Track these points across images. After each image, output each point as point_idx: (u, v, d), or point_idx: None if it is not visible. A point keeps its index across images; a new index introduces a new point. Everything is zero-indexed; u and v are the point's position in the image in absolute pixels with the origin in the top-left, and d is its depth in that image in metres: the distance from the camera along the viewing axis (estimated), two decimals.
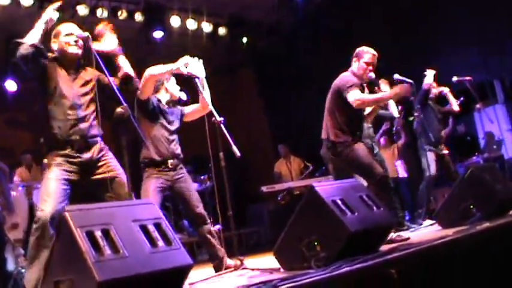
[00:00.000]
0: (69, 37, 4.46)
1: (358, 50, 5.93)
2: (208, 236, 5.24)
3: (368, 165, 5.63)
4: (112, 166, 4.46)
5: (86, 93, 4.50)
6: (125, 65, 4.69)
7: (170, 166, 5.25)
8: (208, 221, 5.32)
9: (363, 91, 5.80)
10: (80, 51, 4.45)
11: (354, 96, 5.56)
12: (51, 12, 4.38)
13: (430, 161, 7.62)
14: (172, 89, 5.55)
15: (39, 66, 4.31)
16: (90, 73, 4.58)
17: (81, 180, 4.35)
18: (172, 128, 5.43)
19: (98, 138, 4.50)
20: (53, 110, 4.34)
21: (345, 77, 5.80)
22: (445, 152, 7.81)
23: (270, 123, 14.58)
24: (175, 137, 5.44)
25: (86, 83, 4.54)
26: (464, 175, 5.85)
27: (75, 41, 4.44)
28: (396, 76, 7.22)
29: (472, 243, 3.92)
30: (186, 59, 5.21)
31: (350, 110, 5.66)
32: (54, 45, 4.52)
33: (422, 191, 7.63)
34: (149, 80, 5.11)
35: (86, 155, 4.36)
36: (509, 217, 5.19)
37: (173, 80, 5.58)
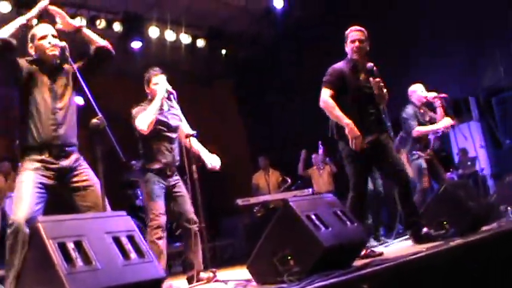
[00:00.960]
0: (44, 39, 4.40)
1: (345, 33, 5.81)
2: (193, 241, 5.25)
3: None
4: (88, 176, 4.40)
5: (67, 98, 4.44)
6: (93, 36, 4.62)
7: (168, 173, 5.32)
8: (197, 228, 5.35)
9: (361, 71, 5.64)
10: (56, 52, 4.36)
11: (322, 95, 5.52)
12: (37, 9, 4.33)
13: (420, 171, 7.53)
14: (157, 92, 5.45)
15: (6, 61, 4.21)
16: (71, 79, 4.51)
17: (56, 187, 4.28)
18: (174, 135, 5.46)
19: (75, 147, 4.45)
20: (32, 114, 4.26)
21: (329, 69, 5.70)
22: (438, 155, 7.77)
23: (249, 135, 14.60)
24: (176, 144, 5.48)
25: (68, 87, 4.48)
26: (438, 191, 5.91)
27: (50, 42, 4.38)
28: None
29: (445, 259, 3.96)
30: (164, 84, 5.25)
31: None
32: (31, 50, 4.46)
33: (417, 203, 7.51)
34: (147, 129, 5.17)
35: (64, 162, 4.30)
36: (482, 233, 5.24)
37: (159, 79, 5.50)
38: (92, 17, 10.42)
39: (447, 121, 7.41)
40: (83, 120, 4.43)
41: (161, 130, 5.34)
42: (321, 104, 5.51)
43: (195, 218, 5.34)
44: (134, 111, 5.34)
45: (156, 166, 5.28)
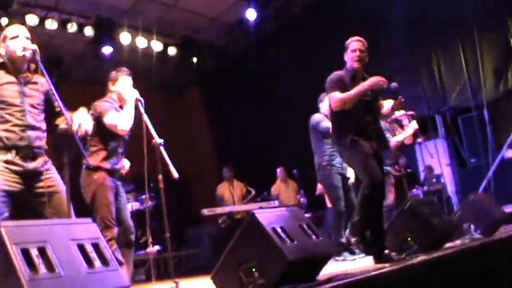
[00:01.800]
0: (15, 40, 4.32)
1: (345, 44, 5.81)
2: (128, 249, 5.20)
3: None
4: (55, 181, 4.33)
5: (36, 102, 4.36)
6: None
7: (116, 176, 5.24)
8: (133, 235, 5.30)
9: (360, 80, 5.60)
10: (27, 53, 4.26)
11: (333, 97, 5.50)
12: None
13: (390, 187, 7.53)
14: (123, 91, 5.36)
15: None
16: (41, 82, 4.43)
17: (21, 192, 4.19)
18: (126, 140, 5.39)
19: (44, 151, 4.37)
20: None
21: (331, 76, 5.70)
22: (405, 171, 7.87)
23: (216, 144, 14.60)
24: (123, 149, 5.40)
25: (37, 91, 4.40)
26: (403, 207, 5.96)
27: (21, 43, 4.30)
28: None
29: (408, 275, 3.99)
30: (133, 91, 5.20)
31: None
32: (2, 50, 4.37)
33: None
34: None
35: (31, 165, 4.23)
36: (446, 250, 5.30)
37: (127, 80, 5.43)
38: (63, 21, 10.37)
39: (414, 125, 7.51)
40: (51, 126, 4.38)
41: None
42: (335, 106, 5.49)
43: (132, 224, 5.30)
44: (102, 106, 5.20)
45: (109, 167, 5.17)
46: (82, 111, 4.38)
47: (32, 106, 4.33)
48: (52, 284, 2.68)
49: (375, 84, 5.44)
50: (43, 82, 4.42)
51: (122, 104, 5.32)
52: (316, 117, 7.47)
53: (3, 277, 2.71)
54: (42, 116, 4.42)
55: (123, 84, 5.34)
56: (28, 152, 4.23)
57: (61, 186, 4.34)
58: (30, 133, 4.25)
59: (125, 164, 5.50)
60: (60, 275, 2.73)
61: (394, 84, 5.74)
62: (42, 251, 2.79)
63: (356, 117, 5.48)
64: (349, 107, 5.43)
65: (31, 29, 4.54)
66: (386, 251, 5.22)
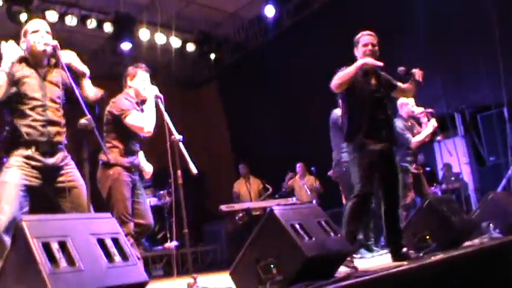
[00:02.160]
0: (36, 34, 4.35)
1: (354, 39, 5.73)
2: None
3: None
4: (73, 176, 4.36)
5: (56, 96, 4.39)
6: (89, 90, 4.58)
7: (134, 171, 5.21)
8: None
9: (372, 75, 5.58)
10: (48, 48, 4.29)
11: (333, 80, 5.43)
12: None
13: (406, 185, 7.47)
14: (142, 87, 5.32)
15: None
16: (61, 77, 4.44)
17: (41, 187, 4.23)
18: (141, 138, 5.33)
19: (63, 146, 4.40)
20: (19, 109, 4.22)
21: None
22: (421, 170, 7.80)
23: (233, 140, 14.61)
24: (139, 145, 5.37)
25: (57, 86, 4.43)
26: (422, 205, 5.94)
27: (42, 37, 4.33)
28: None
29: (426, 274, 3.98)
30: (153, 88, 5.19)
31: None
32: (23, 45, 4.39)
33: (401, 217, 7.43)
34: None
35: (50, 160, 4.26)
36: (464, 249, 5.28)
37: (146, 76, 5.40)
38: (82, 17, 10.43)
39: (434, 123, 7.49)
40: (71, 121, 4.40)
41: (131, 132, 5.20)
42: (335, 82, 5.41)
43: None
44: (123, 104, 5.16)
45: (127, 163, 5.14)
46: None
47: (52, 101, 4.36)
48: (72, 277, 2.71)
49: (369, 62, 5.38)
50: (63, 77, 4.43)
51: (139, 100, 5.30)
52: (336, 112, 7.42)
53: (24, 270, 2.74)
54: (62, 110, 4.44)
55: (142, 81, 5.30)
56: (48, 148, 4.27)
57: (80, 181, 4.36)
58: (50, 128, 4.28)
59: (148, 168, 5.49)
60: (81, 269, 2.76)
61: (400, 68, 5.68)
62: (63, 245, 2.81)
63: (367, 116, 5.40)
64: (346, 87, 5.39)
65: (51, 25, 4.57)
66: (404, 249, 5.20)
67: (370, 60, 5.38)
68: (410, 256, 5.07)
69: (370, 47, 5.54)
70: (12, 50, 4.27)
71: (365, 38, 5.61)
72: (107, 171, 5.07)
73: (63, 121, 4.42)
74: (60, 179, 4.32)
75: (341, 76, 5.38)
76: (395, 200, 5.48)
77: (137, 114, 5.10)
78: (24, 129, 4.20)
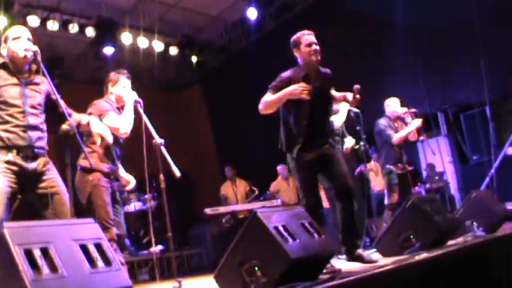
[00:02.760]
0: (17, 40, 4.34)
1: (291, 41, 5.63)
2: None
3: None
4: (55, 182, 4.33)
5: (37, 102, 4.37)
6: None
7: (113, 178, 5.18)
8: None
9: (314, 79, 5.46)
10: (28, 54, 4.28)
11: (263, 99, 5.42)
12: None
13: (392, 185, 7.56)
14: (123, 94, 5.29)
15: None
16: (43, 83, 4.45)
17: (22, 192, 4.21)
18: (121, 143, 5.33)
19: (45, 151, 4.37)
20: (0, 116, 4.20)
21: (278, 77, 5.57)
22: (409, 169, 7.82)
23: (218, 143, 14.59)
24: (120, 151, 5.34)
25: (38, 91, 4.42)
26: (405, 205, 5.96)
27: (23, 45, 4.31)
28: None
29: (410, 273, 4.00)
30: (132, 93, 5.18)
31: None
32: (3, 51, 4.39)
33: (387, 218, 7.35)
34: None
35: (31, 165, 4.23)
36: (448, 248, 5.30)
37: (127, 83, 5.36)
38: (64, 21, 10.38)
39: (418, 122, 7.52)
40: (53, 126, 4.39)
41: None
42: (260, 107, 5.40)
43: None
44: (102, 105, 5.14)
45: (107, 170, 5.12)
46: (94, 119, 4.39)
47: (33, 107, 4.34)
48: (55, 284, 2.70)
49: (295, 91, 5.21)
50: (44, 83, 4.43)
51: (119, 105, 5.28)
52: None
53: (6, 278, 2.72)
54: (43, 116, 4.43)
55: (123, 87, 5.28)
56: (29, 152, 4.25)
57: (62, 187, 4.35)
58: (31, 133, 4.26)
59: (130, 180, 5.46)
60: (63, 276, 2.75)
61: (356, 86, 5.50)
62: (45, 252, 2.80)
63: (303, 127, 5.36)
64: (271, 112, 5.39)
65: (33, 30, 4.55)
66: (359, 250, 5.22)
67: (297, 91, 5.20)
68: (365, 258, 5.09)
69: (314, 46, 5.43)
70: None
71: (307, 38, 5.49)
72: (86, 176, 5.02)
73: (44, 127, 4.41)
74: (42, 184, 4.29)
75: (267, 103, 5.36)
76: (348, 199, 5.43)
77: (114, 116, 5.09)
78: (4, 134, 4.18)
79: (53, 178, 4.34)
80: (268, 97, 5.35)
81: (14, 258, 2.67)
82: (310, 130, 5.36)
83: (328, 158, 5.43)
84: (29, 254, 2.73)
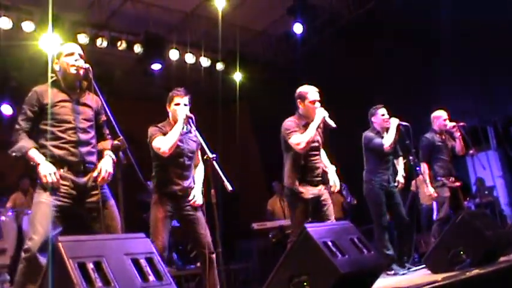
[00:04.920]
0: (70, 57, 4.43)
1: (298, 91, 6.09)
2: (208, 265, 5.20)
3: None
4: (105, 196, 4.41)
5: (87, 118, 4.46)
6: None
7: (180, 196, 5.27)
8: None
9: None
10: (80, 72, 4.38)
11: (294, 141, 5.80)
12: None
13: (442, 199, 7.53)
14: (174, 112, 5.42)
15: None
16: (93, 100, 4.54)
17: (72, 206, 4.25)
18: (188, 162, 5.41)
19: (95, 166, 4.42)
20: (50, 131, 4.28)
21: (284, 124, 6.05)
22: (457, 184, 7.77)
23: (264, 159, 14.60)
24: (190, 171, 5.45)
25: (89, 107, 4.50)
26: (455, 220, 5.88)
27: (76, 60, 4.41)
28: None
29: None
30: (184, 109, 5.27)
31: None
32: (56, 66, 4.49)
33: (436, 232, 7.37)
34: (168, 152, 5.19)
35: (82, 180, 4.30)
36: (499, 264, 5.21)
37: (180, 100, 5.44)
38: (112, 38, 10.54)
39: (395, 121, 7.27)
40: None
41: (178, 155, 5.30)
42: (302, 146, 5.76)
43: (210, 242, 5.25)
44: (151, 131, 5.30)
45: (168, 190, 5.25)
46: (107, 159, 4.48)
47: (83, 123, 4.42)
48: None
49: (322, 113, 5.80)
50: (94, 99, 4.53)
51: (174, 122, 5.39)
52: (368, 135, 7.34)
53: None
54: (93, 132, 4.51)
55: (176, 105, 5.38)
56: (79, 167, 4.32)
57: (111, 201, 4.42)
58: (82, 149, 4.34)
59: (195, 198, 5.49)
60: None
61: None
62: (98, 265, 2.85)
63: (303, 165, 5.87)
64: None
65: (83, 47, 4.65)
66: None
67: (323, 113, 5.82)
68: None
69: (317, 104, 5.96)
70: None
71: (314, 95, 6.02)
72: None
73: (94, 142, 4.49)
74: (92, 199, 4.35)
75: (308, 139, 5.75)
76: None
77: (160, 138, 5.23)
78: (55, 150, 4.26)
79: (103, 192, 4.40)
80: (304, 136, 5.78)
81: (69, 272, 2.72)
82: (307, 170, 5.91)
83: (323, 201, 5.91)
84: (82, 267, 2.78)
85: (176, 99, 5.40)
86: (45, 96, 4.33)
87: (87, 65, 4.39)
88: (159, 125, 5.38)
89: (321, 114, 5.76)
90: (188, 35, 11.32)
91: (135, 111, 5.35)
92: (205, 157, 5.00)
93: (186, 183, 5.33)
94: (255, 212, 11.91)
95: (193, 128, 5.22)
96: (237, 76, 12.89)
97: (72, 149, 4.29)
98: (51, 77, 4.50)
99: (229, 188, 4.86)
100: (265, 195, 12.20)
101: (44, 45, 9.36)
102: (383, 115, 7.31)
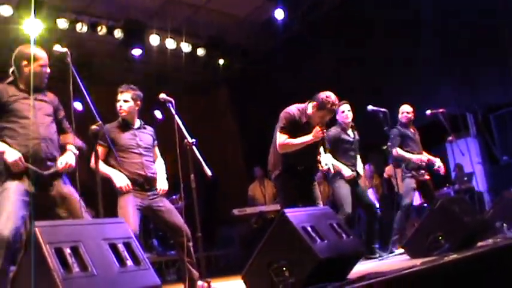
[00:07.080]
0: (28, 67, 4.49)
1: (322, 97, 5.90)
2: (185, 252, 5.19)
3: None
4: (67, 186, 4.51)
5: (47, 113, 4.54)
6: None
7: (146, 187, 5.23)
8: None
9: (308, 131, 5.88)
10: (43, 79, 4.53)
11: (279, 139, 5.96)
12: None
13: (409, 189, 7.71)
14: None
15: None
16: (50, 96, 4.66)
17: (36, 195, 4.28)
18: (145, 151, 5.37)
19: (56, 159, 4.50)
20: (9, 128, 4.34)
21: (284, 112, 6.12)
22: (427, 177, 7.88)
23: (244, 145, 14.58)
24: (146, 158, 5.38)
25: (47, 103, 4.58)
26: (434, 206, 5.92)
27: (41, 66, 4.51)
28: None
29: (439, 274, 3.96)
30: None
31: None
32: (15, 68, 4.55)
33: (399, 219, 7.59)
34: None
35: (45, 172, 4.37)
36: (477, 249, 5.25)
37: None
38: (92, 23, 10.44)
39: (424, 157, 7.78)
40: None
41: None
42: (281, 150, 6.01)
43: (185, 228, 5.21)
44: None
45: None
46: (69, 154, 4.54)
47: (44, 118, 4.49)
48: (85, 282, 2.73)
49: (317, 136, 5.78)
50: (52, 96, 4.66)
51: None
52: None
53: (38, 276, 2.76)
54: (55, 126, 4.60)
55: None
56: (42, 162, 4.38)
57: (72, 190, 4.50)
58: (44, 144, 4.40)
59: (162, 186, 5.44)
60: (93, 274, 2.78)
61: None
62: (75, 250, 2.83)
63: (298, 161, 6.04)
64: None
65: (62, 32, 4.62)
66: None
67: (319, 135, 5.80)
68: None
69: (327, 120, 6.10)
70: None
71: (332, 110, 6.01)
72: None
73: (55, 136, 4.56)
74: (55, 187, 4.42)
75: (292, 146, 5.92)
76: None
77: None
78: (17, 147, 4.29)
79: (63, 181, 4.51)
80: (290, 144, 5.96)
81: (45, 257, 2.70)
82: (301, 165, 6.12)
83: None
84: (59, 252, 2.76)
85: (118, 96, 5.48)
86: (4, 94, 4.38)
87: (64, 49, 4.42)
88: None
89: (316, 137, 5.78)
90: (169, 20, 11.22)
91: (115, 96, 5.30)
92: (184, 142, 4.98)
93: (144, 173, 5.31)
94: (236, 198, 11.91)
95: (173, 111, 5.18)
96: (219, 62, 12.84)
97: (36, 146, 4.34)
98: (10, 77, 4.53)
99: (209, 173, 4.86)
100: (246, 181, 12.20)
101: (26, 29, 9.24)
102: (343, 112, 7.34)
